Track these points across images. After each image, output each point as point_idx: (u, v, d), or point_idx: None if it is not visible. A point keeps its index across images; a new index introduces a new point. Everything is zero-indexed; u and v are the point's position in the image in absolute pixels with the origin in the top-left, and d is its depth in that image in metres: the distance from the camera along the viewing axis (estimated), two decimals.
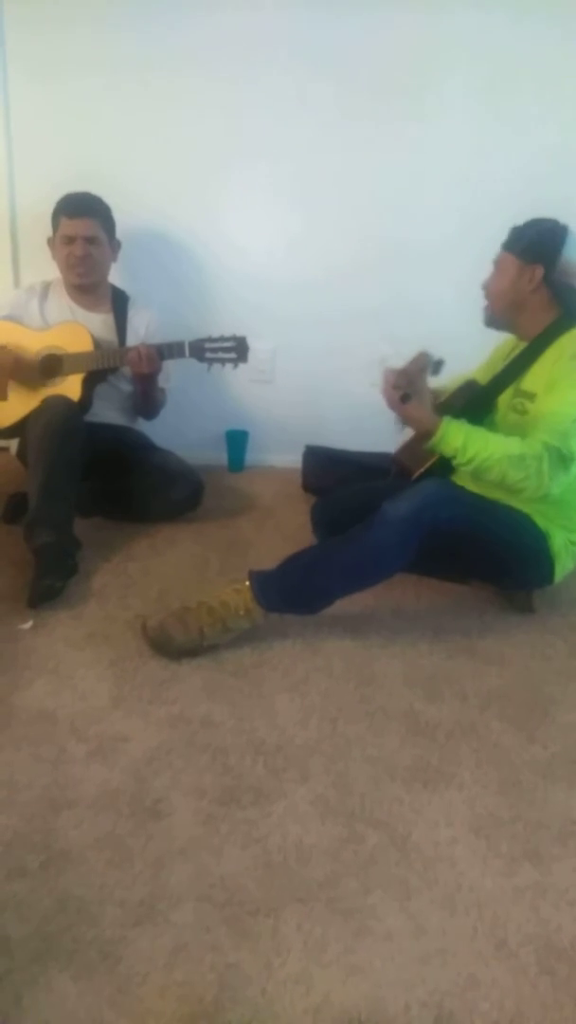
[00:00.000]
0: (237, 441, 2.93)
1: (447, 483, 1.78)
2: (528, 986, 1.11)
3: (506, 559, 1.93)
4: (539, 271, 1.85)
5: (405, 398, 1.78)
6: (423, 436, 1.82)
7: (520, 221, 1.89)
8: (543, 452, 1.72)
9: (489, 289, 1.94)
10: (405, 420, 1.83)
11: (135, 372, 2.29)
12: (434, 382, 2.11)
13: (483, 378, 2.08)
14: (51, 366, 2.29)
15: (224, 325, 2.29)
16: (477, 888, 1.26)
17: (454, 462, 1.80)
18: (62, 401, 2.18)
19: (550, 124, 2.56)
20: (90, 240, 2.32)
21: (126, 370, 2.42)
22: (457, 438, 1.77)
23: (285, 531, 2.43)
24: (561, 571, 1.93)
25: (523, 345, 1.96)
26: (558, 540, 1.90)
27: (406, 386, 1.79)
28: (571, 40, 2.49)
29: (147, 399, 2.45)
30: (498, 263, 1.92)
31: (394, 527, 1.75)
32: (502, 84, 2.53)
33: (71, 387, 2.26)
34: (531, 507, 1.86)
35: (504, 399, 1.96)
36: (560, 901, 1.25)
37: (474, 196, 2.61)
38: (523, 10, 2.44)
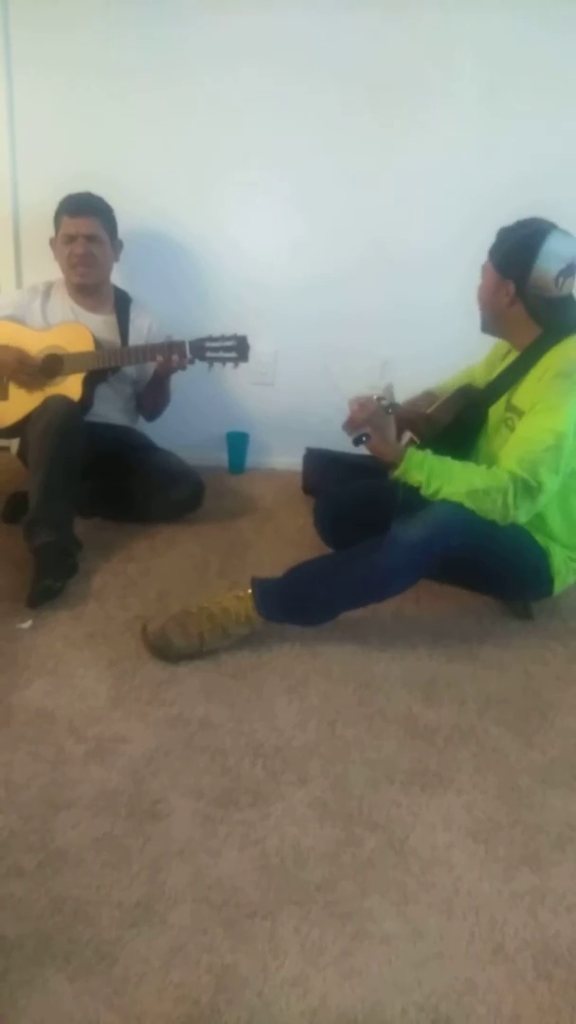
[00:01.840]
0: (238, 443, 2.93)
1: (459, 509, 1.73)
2: (525, 991, 1.11)
3: (507, 576, 1.93)
4: (511, 288, 1.80)
5: (357, 441, 1.81)
6: (390, 468, 1.82)
7: (526, 232, 1.82)
8: (508, 485, 1.70)
9: (478, 295, 1.90)
10: (371, 453, 1.84)
11: (162, 368, 2.28)
12: (435, 380, 2.11)
13: (481, 376, 2.08)
14: (52, 366, 2.29)
15: (226, 327, 2.29)
16: (475, 892, 1.26)
17: (420, 492, 1.79)
18: (62, 401, 2.18)
19: (553, 126, 2.56)
20: (91, 239, 2.33)
21: (128, 370, 2.43)
22: (420, 473, 1.77)
23: (285, 533, 2.43)
24: (561, 585, 1.93)
25: (516, 352, 1.94)
26: (558, 557, 1.90)
27: (359, 426, 1.80)
28: (573, 42, 2.49)
29: (160, 391, 2.45)
30: (483, 269, 1.88)
31: (404, 552, 1.74)
32: (505, 87, 2.53)
33: (72, 387, 2.26)
34: (529, 524, 1.84)
35: (496, 411, 1.94)
36: (558, 906, 1.25)
37: (477, 200, 2.61)
38: (525, 13, 2.44)
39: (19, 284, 2.72)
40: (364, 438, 1.80)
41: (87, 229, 2.31)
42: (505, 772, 1.52)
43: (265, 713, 1.63)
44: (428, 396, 2.12)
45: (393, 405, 1.87)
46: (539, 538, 1.88)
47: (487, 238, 1.91)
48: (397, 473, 1.80)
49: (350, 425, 1.82)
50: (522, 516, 1.75)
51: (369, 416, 1.80)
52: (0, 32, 2.46)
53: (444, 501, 1.76)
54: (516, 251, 1.79)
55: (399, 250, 2.72)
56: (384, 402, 1.84)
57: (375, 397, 1.84)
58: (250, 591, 1.78)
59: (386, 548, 1.74)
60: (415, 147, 2.61)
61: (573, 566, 1.93)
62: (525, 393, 1.84)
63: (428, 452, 1.80)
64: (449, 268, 2.67)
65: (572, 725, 1.67)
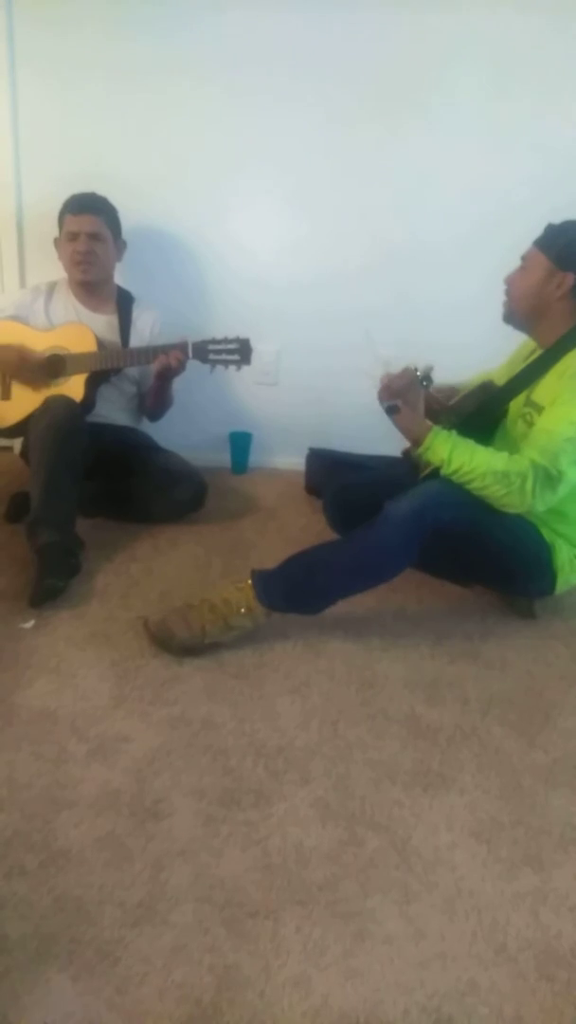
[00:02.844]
0: (241, 443, 2.93)
1: (450, 484, 1.77)
2: (527, 992, 1.11)
3: (506, 565, 1.92)
4: (569, 279, 1.80)
5: (391, 410, 1.81)
6: (414, 444, 1.82)
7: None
8: (529, 471, 1.71)
9: (513, 287, 1.90)
10: (397, 427, 1.84)
11: (160, 370, 2.28)
12: (455, 378, 2.11)
13: (501, 378, 2.08)
14: (55, 366, 2.29)
15: (229, 327, 2.30)
16: (477, 893, 1.26)
17: (441, 472, 1.80)
18: (64, 401, 2.18)
19: (558, 126, 2.56)
20: (93, 236, 2.33)
21: (131, 371, 2.43)
22: (443, 449, 1.77)
23: (287, 533, 2.43)
24: (563, 584, 1.93)
25: (540, 350, 1.94)
26: (563, 554, 1.89)
27: (391, 397, 1.80)
28: None
29: (162, 395, 2.45)
30: (527, 260, 1.87)
31: (396, 527, 1.75)
32: (509, 85, 2.52)
33: (74, 387, 2.27)
34: (537, 518, 1.85)
35: (515, 406, 1.95)
36: (560, 907, 1.24)
37: (480, 198, 2.61)
38: (531, 11, 2.43)
39: (23, 283, 2.73)
40: (395, 409, 1.80)
41: (90, 227, 2.32)
42: (508, 772, 1.52)
43: (267, 713, 1.63)
44: (451, 390, 2.12)
45: (428, 380, 1.87)
46: (545, 532, 1.88)
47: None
48: (422, 449, 1.80)
49: (386, 392, 1.82)
50: (540, 504, 1.75)
51: (405, 385, 1.81)
52: (4, 31, 2.46)
53: (436, 478, 1.77)
54: None
55: (402, 249, 2.72)
56: (420, 374, 1.84)
57: (414, 369, 1.84)
58: (250, 582, 1.79)
59: (379, 526, 1.76)
60: (418, 145, 2.60)
61: None
62: (545, 389, 1.85)
63: (453, 432, 1.81)
64: (452, 266, 2.68)
65: (574, 725, 1.66)
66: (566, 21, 2.45)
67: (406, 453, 1.94)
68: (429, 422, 1.83)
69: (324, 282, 2.76)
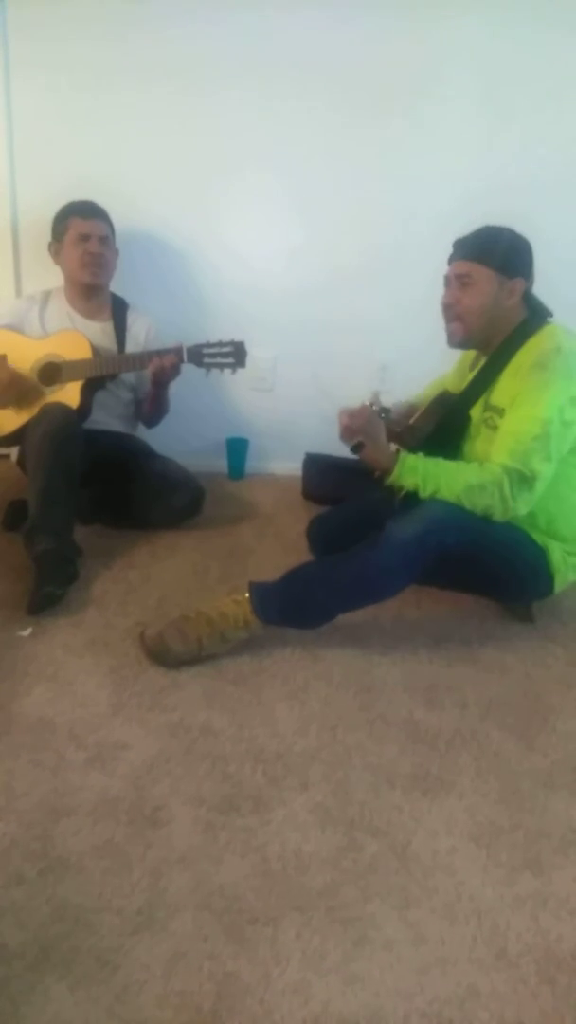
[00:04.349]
0: (238, 449, 2.94)
1: (453, 507, 1.75)
2: (528, 996, 1.10)
3: (507, 578, 1.92)
4: (520, 284, 1.83)
5: (357, 448, 1.82)
6: (384, 474, 1.82)
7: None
8: (503, 477, 1.72)
9: (465, 307, 1.88)
10: (365, 462, 1.85)
11: (155, 377, 2.29)
12: (412, 391, 2.13)
13: (453, 383, 2.09)
14: (50, 374, 2.29)
15: (224, 333, 2.30)
16: (477, 897, 1.25)
17: (419, 495, 1.80)
18: (59, 408, 2.18)
19: (551, 131, 2.58)
20: (102, 240, 2.37)
21: (127, 377, 2.43)
22: (414, 476, 1.78)
23: (285, 539, 2.43)
24: (561, 583, 1.93)
25: (484, 356, 1.95)
26: (556, 554, 1.89)
27: (353, 436, 1.82)
28: (572, 48, 2.50)
29: (158, 402, 2.45)
30: (471, 277, 1.86)
31: (398, 550, 1.73)
32: (503, 91, 2.54)
33: (70, 394, 2.27)
34: (526, 523, 1.85)
35: (476, 412, 1.95)
36: (561, 911, 1.24)
37: (475, 205, 2.61)
38: (523, 17, 2.45)
39: (18, 292, 2.73)
40: (360, 446, 1.81)
41: (99, 231, 2.36)
42: (507, 776, 1.52)
43: (266, 719, 1.63)
44: (409, 407, 2.12)
45: (385, 410, 1.89)
46: (536, 536, 1.88)
47: None
48: (391, 479, 1.81)
49: (347, 433, 1.84)
50: (521, 507, 1.75)
51: (364, 423, 1.82)
52: None
53: (439, 499, 1.77)
54: (516, 250, 1.84)
55: (397, 255, 2.73)
56: (376, 408, 1.85)
57: (368, 404, 1.85)
58: (247, 595, 1.78)
59: (381, 546, 1.75)
60: (414, 152, 2.62)
61: (572, 561, 1.92)
62: (502, 391, 1.86)
63: (420, 455, 1.82)
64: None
65: (573, 728, 1.66)
66: (558, 29, 2.47)
67: (378, 479, 1.92)
68: (394, 448, 1.83)
69: (319, 288, 2.77)
